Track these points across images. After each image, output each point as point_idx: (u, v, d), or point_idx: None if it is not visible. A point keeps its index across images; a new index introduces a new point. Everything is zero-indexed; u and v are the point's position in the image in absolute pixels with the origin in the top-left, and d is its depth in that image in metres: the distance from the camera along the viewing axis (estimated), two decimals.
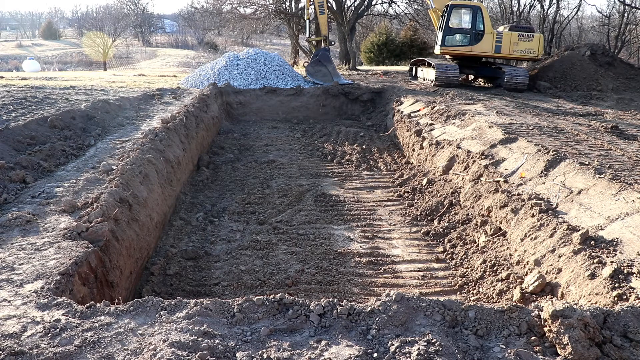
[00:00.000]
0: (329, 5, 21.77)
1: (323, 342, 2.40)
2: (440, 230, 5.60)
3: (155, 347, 2.29)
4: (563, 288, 3.65)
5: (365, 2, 26.05)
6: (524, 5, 27.75)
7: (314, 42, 19.97)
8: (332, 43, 18.31)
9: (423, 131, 8.87)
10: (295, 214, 6.23)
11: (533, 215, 4.63)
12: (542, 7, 25.44)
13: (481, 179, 6.04)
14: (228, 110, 13.06)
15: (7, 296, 2.78)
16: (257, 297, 2.70)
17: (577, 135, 7.58)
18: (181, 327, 2.46)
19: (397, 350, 2.32)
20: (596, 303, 3.20)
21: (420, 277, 4.68)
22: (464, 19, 15.08)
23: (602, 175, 4.80)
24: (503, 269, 4.44)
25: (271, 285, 4.44)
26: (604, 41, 24.89)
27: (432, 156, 7.80)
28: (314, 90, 13.89)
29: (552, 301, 2.62)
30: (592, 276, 3.46)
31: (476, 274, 4.54)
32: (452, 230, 5.53)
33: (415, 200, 6.68)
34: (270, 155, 9.30)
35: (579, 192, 4.76)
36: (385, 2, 28.23)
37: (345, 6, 26.03)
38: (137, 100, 10.76)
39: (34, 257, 3.28)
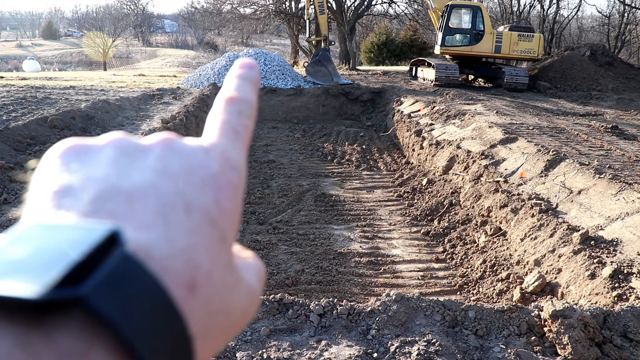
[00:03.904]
0: (329, 5, 21.78)
1: (323, 342, 2.40)
2: (440, 230, 5.59)
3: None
4: (563, 288, 3.65)
5: (365, 2, 26.06)
6: (524, 5, 27.80)
7: (314, 42, 19.97)
8: (332, 43, 18.31)
9: (423, 131, 8.87)
10: (295, 214, 6.23)
11: (533, 215, 4.63)
12: (542, 7, 25.47)
13: (481, 179, 6.05)
14: None
15: None
16: None
17: (577, 135, 7.58)
18: None
19: (397, 350, 2.32)
20: (596, 303, 3.20)
21: (420, 277, 4.68)
22: (464, 19, 15.08)
23: (602, 175, 4.80)
24: (503, 269, 4.44)
25: (271, 285, 4.44)
26: (604, 41, 24.92)
27: (432, 156, 7.80)
28: (314, 90, 13.89)
29: (552, 301, 2.63)
30: (592, 276, 3.46)
31: (476, 274, 4.54)
32: (452, 230, 5.53)
33: (415, 200, 6.68)
34: (270, 155, 9.30)
35: (579, 192, 4.76)
36: (385, 2, 28.27)
37: (345, 6, 26.04)
38: (137, 100, 10.76)
39: None
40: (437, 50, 15.88)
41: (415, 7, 28.28)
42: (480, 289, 4.31)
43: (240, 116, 0.39)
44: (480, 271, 4.53)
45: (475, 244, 5.09)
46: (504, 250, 4.71)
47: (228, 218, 0.33)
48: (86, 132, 7.51)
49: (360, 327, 2.52)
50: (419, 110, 10.46)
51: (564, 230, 4.15)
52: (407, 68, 19.82)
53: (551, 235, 4.22)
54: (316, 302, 2.66)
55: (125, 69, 34.24)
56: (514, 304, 2.68)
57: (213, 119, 0.39)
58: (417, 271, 4.81)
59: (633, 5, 24.85)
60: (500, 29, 15.55)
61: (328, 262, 4.90)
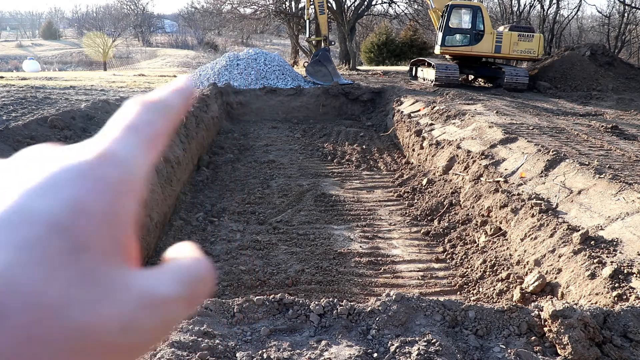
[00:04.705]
0: (329, 5, 21.78)
1: (323, 342, 2.40)
2: (440, 230, 5.59)
3: (155, 347, 2.29)
4: (563, 288, 3.65)
5: (365, 2, 26.07)
6: (524, 5, 27.81)
7: (314, 42, 19.98)
8: (332, 43, 18.31)
9: (423, 131, 8.87)
10: (295, 214, 6.23)
11: (533, 215, 4.63)
12: (542, 7, 25.49)
13: (481, 179, 6.05)
14: (228, 110, 13.06)
15: None
16: (257, 297, 2.71)
17: (577, 135, 7.58)
18: (181, 327, 2.46)
19: (397, 350, 2.32)
20: (596, 303, 3.20)
21: (420, 277, 4.68)
22: (464, 19, 15.09)
23: (602, 175, 4.80)
24: (503, 269, 4.45)
25: (271, 285, 4.44)
26: (604, 41, 24.93)
27: (432, 156, 7.80)
28: (314, 90, 13.89)
29: (552, 301, 2.63)
30: (592, 276, 3.46)
31: (476, 274, 4.54)
32: (452, 230, 5.53)
33: (415, 200, 6.68)
34: (270, 155, 9.30)
35: (579, 192, 4.76)
36: (385, 2, 28.28)
37: (345, 6, 26.05)
38: None
39: None
40: (437, 50, 15.88)
41: (415, 7, 28.30)
42: (480, 289, 4.31)
43: (146, 113, 0.35)
44: (480, 271, 4.53)
45: (475, 244, 5.09)
46: (504, 250, 4.71)
47: (94, 221, 0.28)
48: (86, 132, 7.51)
49: (360, 327, 2.52)
50: (419, 110, 10.46)
51: (564, 230, 4.15)
52: (407, 68, 19.83)
53: (551, 235, 4.22)
54: (316, 302, 2.66)
55: (125, 69, 34.23)
56: (514, 304, 2.68)
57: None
58: (417, 271, 4.81)
59: (633, 5, 24.87)
60: (500, 29, 15.56)
61: (328, 262, 4.90)
